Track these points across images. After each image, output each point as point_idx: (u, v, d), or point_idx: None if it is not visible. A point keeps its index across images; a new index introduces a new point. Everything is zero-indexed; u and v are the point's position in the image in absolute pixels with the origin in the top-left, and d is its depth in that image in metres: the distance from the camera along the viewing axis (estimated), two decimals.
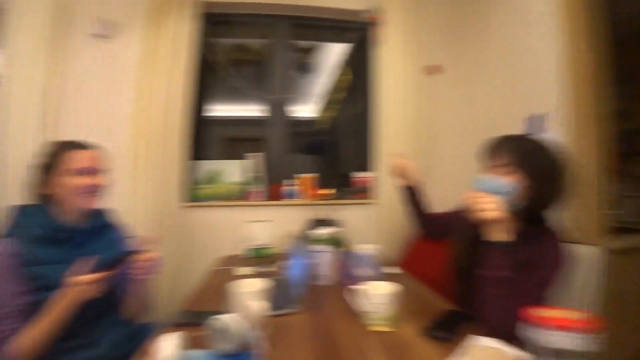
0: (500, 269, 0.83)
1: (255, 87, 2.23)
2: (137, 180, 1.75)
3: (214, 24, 2.14)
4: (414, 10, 2.06)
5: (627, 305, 1.69)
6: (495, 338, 0.74)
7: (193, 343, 0.74)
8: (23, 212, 0.97)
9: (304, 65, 2.47)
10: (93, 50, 1.95)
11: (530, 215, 0.91)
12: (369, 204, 2.03)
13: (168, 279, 1.75)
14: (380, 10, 2.04)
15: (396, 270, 1.42)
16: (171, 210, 1.78)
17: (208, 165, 1.97)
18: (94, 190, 1.01)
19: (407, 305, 0.97)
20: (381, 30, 2.04)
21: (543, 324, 0.56)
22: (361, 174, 2.11)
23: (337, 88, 2.61)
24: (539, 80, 1.50)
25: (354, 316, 0.94)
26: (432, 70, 2.13)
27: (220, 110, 2.29)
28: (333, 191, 2.00)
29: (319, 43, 2.46)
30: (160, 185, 1.76)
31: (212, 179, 1.93)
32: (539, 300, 0.79)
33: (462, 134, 2.07)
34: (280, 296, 1.03)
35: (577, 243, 1.07)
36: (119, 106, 1.89)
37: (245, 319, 0.71)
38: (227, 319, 0.69)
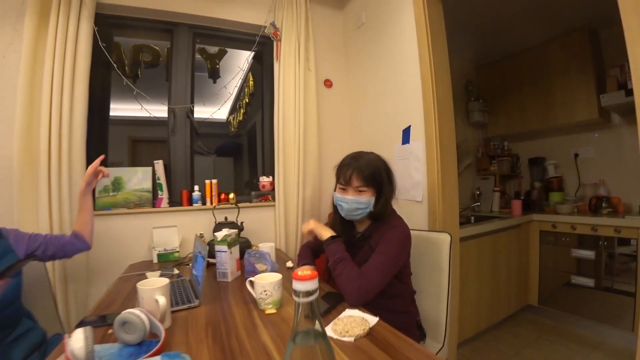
0: (334, 254, 1.15)
1: (157, 90, 2.23)
2: (39, 190, 1.64)
3: (111, 24, 2.11)
4: (305, 32, 2.31)
5: (467, 285, 2.22)
6: (356, 308, 1.02)
7: (101, 340, 0.85)
8: None
9: (212, 70, 2.54)
10: None
11: (377, 215, 1.23)
12: (269, 206, 2.24)
13: (80, 288, 1.73)
14: (277, 27, 2.25)
15: (290, 264, 1.65)
16: (72, 220, 1.71)
17: (113, 172, 1.95)
18: None
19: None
20: (279, 45, 2.25)
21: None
22: (265, 178, 2.29)
23: (243, 94, 2.75)
24: (408, 99, 1.87)
25: (251, 303, 1.13)
26: (329, 83, 2.46)
27: (123, 110, 2.25)
28: (233, 195, 2.14)
29: (227, 49, 2.56)
30: (62, 194, 1.69)
31: (116, 186, 1.92)
32: (383, 271, 1.11)
33: (351, 141, 2.45)
34: (182, 293, 1.19)
35: (437, 231, 1.46)
36: (4, 107, 1.73)
37: (146, 312, 0.85)
38: (130, 314, 0.82)
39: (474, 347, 2.28)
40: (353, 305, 1.06)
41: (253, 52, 2.37)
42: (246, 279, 1.19)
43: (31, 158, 1.67)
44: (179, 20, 2.25)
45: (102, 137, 2.09)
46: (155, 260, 1.78)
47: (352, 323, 0.91)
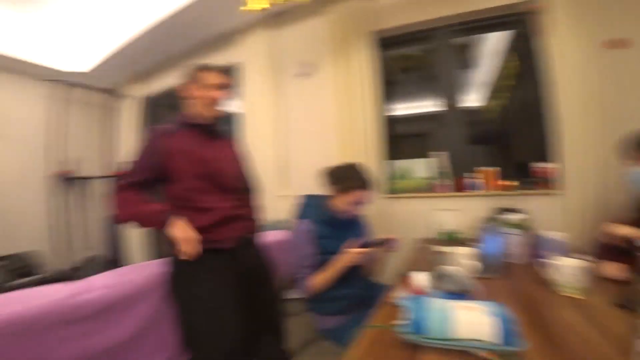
0: None
1: (425, 89, 2.53)
2: None
3: (383, 45, 2.58)
4: None
5: None
6: None
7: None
8: (308, 202, 1.61)
9: (465, 61, 2.62)
10: (300, 85, 2.71)
11: None
12: (553, 194, 2.06)
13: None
14: None
15: (586, 258, 1.50)
16: (378, 200, 2.29)
17: (399, 164, 2.45)
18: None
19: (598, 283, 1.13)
20: (545, 17, 2.02)
21: None
22: (541, 165, 2.12)
23: (503, 76, 2.63)
24: None
25: (545, 285, 1.17)
26: (615, 45, 1.96)
27: (399, 109, 2.71)
28: (515, 183, 2.12)
29: (479, 36, 2.56)
30: None
31: (403, 175, 2.38)
32: None
33: None
34: (481, 264, 1.35)
35: None
36: (326, 124, 2.56)
37: (461, 270, 1.06)
38: (450, 268, 1.06)
39: None
40: None
41: (512, 31, 2.23)
42: (537, 264, 1.21)
43: (347, 152, 2.38)
44: (438, 24, 2.45)
45: (387, 135, 2.56)
46: (438, 238, 2.08)
47: None
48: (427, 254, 1.71)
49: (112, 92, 4.09)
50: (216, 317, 1.26)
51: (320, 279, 1.44)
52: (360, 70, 2.38)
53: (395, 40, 2.61)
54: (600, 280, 1.19)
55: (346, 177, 1.51)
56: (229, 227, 1.40)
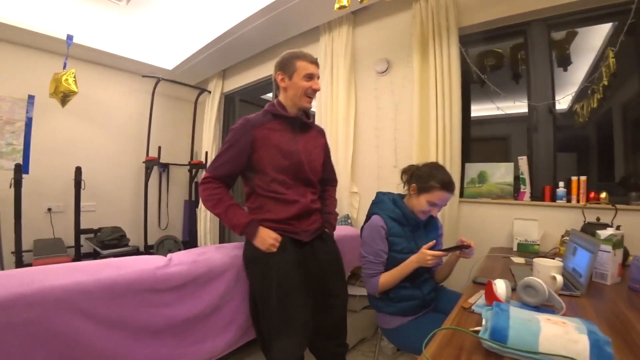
0: None
1: (512, 89, 2.37)
2: None
3: (469, 42, 2.46)
4: None
5: None
6: None
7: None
8: (383, 198, 1.60)
9: (562, 58, 2.39)
10: (380, 83, 2.72)
11: None
12: None
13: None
14: None
15: None
16: (452, 204, 2.25)
17: (477, 167, 2.35)
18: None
19: None
20: None
21: None
22: None
23: (600, 76, 2.35)
24: None
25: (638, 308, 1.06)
26: None
27: (483, 110, 2.58)
28: (606, 195, 1.91)
29: (577, 30, 2.31)
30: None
31: (481, 179, 2.29)
32: None
33: None
34: (564, 280, 1.27)
35: None
36: (404, 122, 2.55)
37: (546, 284, 1.01)
38: (533, 280, 1.01)
39: None
40: None
41: (612, 24, 1.99)
42: (631, 286, 1.11)
43: (424, 153, 2.34)
44: (532, 17, 2.26)
45: (466, 137, 2.47)
46: (514, 249, 1.96)
47: None
48: (503, 263, 1.65)
49: (197, 88, 4.49)
50: (287, 301, 1.33)
51: (388, 277, 1.45)
52: (443, 69, 2.30)
53: (482, 36, 2.49)
54: None
55: (430, 176, 1.47)
56: (307, 220, 1.46)
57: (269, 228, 1.38)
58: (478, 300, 1.10)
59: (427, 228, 1.63)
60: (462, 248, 1.40)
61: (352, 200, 2.74)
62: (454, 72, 2.29)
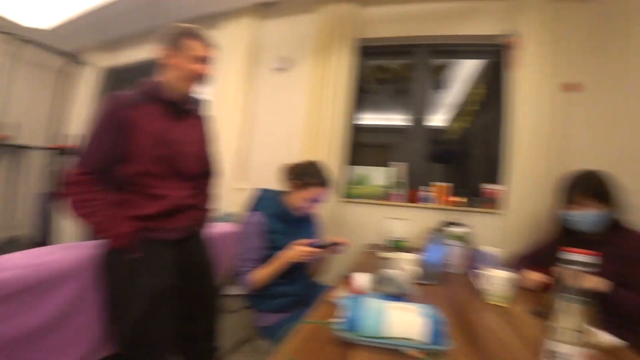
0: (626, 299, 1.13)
1: (396, 102, 2.62)
2: None
3: (363, 53, 2.61)
4: (551, 31, 2.13)
5: None
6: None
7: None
8: (263, 195, 1.59)
9: (438, 82, 2.76)
10: (274, 80, 2.70)
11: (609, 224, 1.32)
12: (495, 213, 2.21)
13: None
14: (516, 34, 2.19)
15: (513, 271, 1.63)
16: (332, 203, 2.35)
17: (359, 170, 2.52)
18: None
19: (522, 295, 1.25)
20: (516, 52, 2.19)
21: None
22: (490, 186, 2.28)
23: (469, 101, 2.80)
24: None
25: (477, 293, 1.27)
26: (570, 88, 2.15)
27: (368, 119, 2.77)
28: (464, 199, 2.26)
29: (455, 60, 2.70)
30: None
31: (361, 181, 2.45)
32: None
33: (598, 154, 2.07)
34: (422, 271, 1.42)
35: None
36: (294, 122, 2.57)
37: (402, 275, 1.11)
38: (391, 272, 1.10)
39: None
40: None
41: (484, 60, 2.39)
42: (471, 274, 1.30)
43: (311, 153, 2.38)
44: (418, 42, 2.55)
45: (352, 141, 2.62)
46: (387, 245, 2.15)
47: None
48: (372, 258, 1.77)
49: (72, 57, 3.79)
50: (152, 311, 1.18)
51: (262, 273, 1.43)
52: (337, 74, 2.41)
53: (376, 51, 2.67)
54: (523, 290, 1.32)
55: (306, 174, 1.51)
56: (178, 217, 1.32)
57: (134, 226, 1.20)
58: (341, 292, 1.14)
59: (308, 225, 1.68)
60: (334, 245, 1.46)
61: (240, 197, 2.66)
62: (348, 79, 2.43)
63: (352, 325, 0.80)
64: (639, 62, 1.84)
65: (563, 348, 0.53)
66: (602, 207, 1.32)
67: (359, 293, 1.01)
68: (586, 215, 1.33)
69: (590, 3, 2.21)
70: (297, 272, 1.52)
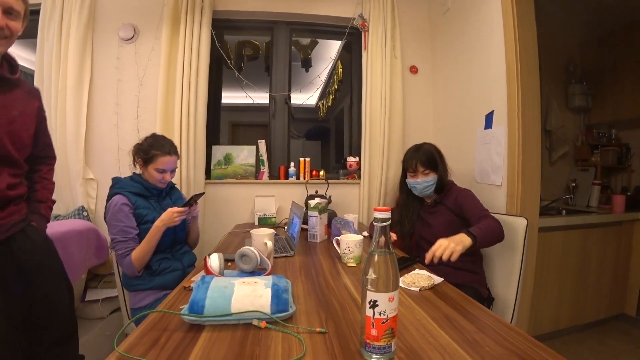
0: (482, 230, 1.26)
1: (259, 80, 2.58)
2: None
3: (223, 26, 2.50)
4: (392, 20, 2.41)
5: (548, 277, 2.12)
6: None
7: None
8: (117, 181, 1.50)
9: (305, 60, 2.82)
10: (120, 50, 2.33)
11: (440, 187, 1.58)
12: (355, 183, 2.43)
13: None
14: (365, 19, 2.39)
15: (366, 233, 1.82)
16: (198, 185, 2.22)
17: (224, 150, 2.40)
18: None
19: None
20: (367, 35, 2.40)
21: None
22: (352, 159, 2.49)
23: (332, 81, 2.97)
24: (492, 84, 1.86)
25: (336, 258, 1.36)
26: (412, 70, 2.53)
27: (230, 98, 2.66)
28: (324, 173, 2.41)
29: (318, 40, 2.79)
30: (188, 166, 2.18)
31: (227, 161, 2.36)
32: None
33: (435, 126, 2.49)
34: (280, 246, 1.47)
35: (514, 215, 1.51)
36: (148, 98, 2.28)
37: (258, 250, 1.11)
38: (247, 249, 1.09)
39: (552, 344, 2.15)
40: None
41: (343, 42, 2.55)
42: (332, 241, 1.41)
43: (167, 134, 2.08)
44: (278, 18, 2.54)
45: (216, 122, 2.52)
46: (256, 223, 2.16)
47: (418, 278, 1.06)
48: (242, 237, 1.75)
49: None
50: None
51: (140, 250, 1.39)
52: (192, 48, 2.20)
53: (237, 25, 2.55)
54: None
55: (150, 146, 1.51)
56: (2, 212, 1.06)
57: None
58: (199, 275, 1.09)
59: (172, 198, 1.67)
60: (196, 198, 1.53)
61: (88, 188, 2.26)
62: (204, 54, 2.25)
63: (196, 308, 0.76)
64: (459, 52, 2.19)
65: (378, 296, 0.59)
66: (433, 174, 1.56)
67: (211, 274, 0.98)
68: (421, 182, 1.56)
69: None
70: (177, 245, 1.59)
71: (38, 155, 1.28)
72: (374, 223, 0.63)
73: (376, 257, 0.61)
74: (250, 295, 0.79)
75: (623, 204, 2.48)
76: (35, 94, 1.25)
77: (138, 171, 1.56)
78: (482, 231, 1.23)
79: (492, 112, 1.85)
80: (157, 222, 1.41)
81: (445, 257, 1.10)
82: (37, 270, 1.21)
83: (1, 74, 1.08)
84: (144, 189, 1.51)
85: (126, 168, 2.20)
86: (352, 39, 2.62)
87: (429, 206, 1.64)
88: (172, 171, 1.57)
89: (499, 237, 1.30)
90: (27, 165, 1.21)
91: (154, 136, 1.58)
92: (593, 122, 3.09)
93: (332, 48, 2.93)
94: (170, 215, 1.40)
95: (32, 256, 1.21)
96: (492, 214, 1.39)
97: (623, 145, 3.00)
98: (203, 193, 1.65)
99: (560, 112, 3.03)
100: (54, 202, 1.37)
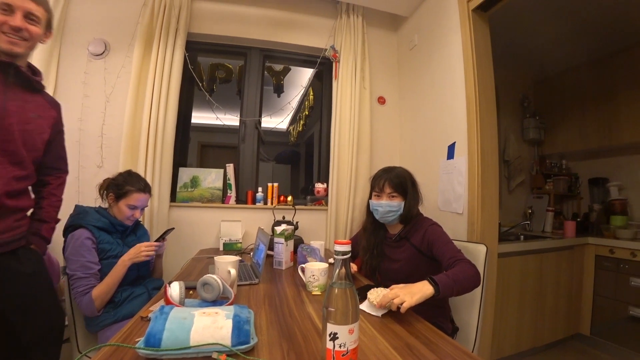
0: (449, 280, 1.12)
1: (231, 102, 2.60)
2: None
3: (197, 48, 2.52)
4: (362, 52, 2.54)
5: (508, 301, 2.21)
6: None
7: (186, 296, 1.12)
8: (80, 211, 1.43)
9: (277, 86, 2.88)
10: (88, 64, 2.27)
11: (406, 217, 1.44)
12: (322, 209, 2.46)
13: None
14: (337, 50, 2.51)
15: (332, 260, 1.83)
16: (163, 209, 2.16)
17: (191, 172, 2.36)
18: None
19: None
20: (338, 65, 2.50)
21: None
22: (320, 185, 2.53)
23: (303, 107, 3.04)
24: (454, 116, 1.98)
25: (301, 286, 1.35)
26: (380, 100, 2.66)
27: (200, 118, 2.64)
28: (291, 198, 2.42)
29: (290, 67, 2.86)
30: (152, 187, 2.08)
31: (193, 183, 2.31)
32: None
33: (401, 155, 2.60)
34: (244, 273, 1.45)
35: (474, 242, 1.54)
36: (115, 117, 2.21)
37: (221, 279, 1.10)
38: (209, 277, 1.07)
39: None
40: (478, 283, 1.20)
41: (315, 71, 2.64)
42: (298, 268, 1.40)
43: (133, 155, 2.12)
44: (252, 44, 2.60)
45: (184, 143, 2.48)
46: (221, 248, 2.10)
47: (384, 292, 1.08)
48: (205, 263, 1.71)
49: None
50: None
51: (103, 286, 1.32)
52: (164, 68, 2.19)
53: (210, 48, 2.59)
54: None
55: (125, 182, 1.50)
56: None
57: None
58: (158, 305, 1.05)
59: (137, 234, 1.63)
60: (165, 233, 1.55)
61: None
62: (175, 75, 2.24)
63: (152, 340, 0.74)
64: (424, 85, 2.34)
65: (338, 328, 0.61)
66: (400, 199, 1.43)
67: (171, 304, 0.95)
68: (384, 205, 1.43)
69: (393, 34, 2.76)
70: (141, 278, 1.54)
71: (49, 165, 1.29)
72: (335, 256, 0.65)
73: (336, 290, 0.63)
74: (211, 327, 0.77)
75: (574, 229, 2.67)
76: (55, 106, 1.30)
77: (105, 205, 1.53)
78: (450, 280, 1.11)
79: (453, 144, 1.97)
80: (124, 257, 1.37)
81: (393, 308, 1.02)
82: (23, 303, 1.14)
83: (27, 75, 1.13)
84: (110, 225, 1.46)
85: (87, 187, 2.12)
86: (324, 68, 2.72)
87: (393, 240, 1.50)
88: (142, 209, 1.56)
89: (474, 284, 1.18)
90: (36, 175, 1.22)
91: (129, 173, 1.58)
92: (546, 153, 3.38)
93: (304, 75, 3.02)
94: (137, 250, 1.38)
95: (18, 288, 1.13)
96: (465, 258, 1.26)
97: (572, 175, 3.27)
98: (173, 228, 1.65)
99: (517, 144, 3.28)
100: (58, 221, 1.36)
